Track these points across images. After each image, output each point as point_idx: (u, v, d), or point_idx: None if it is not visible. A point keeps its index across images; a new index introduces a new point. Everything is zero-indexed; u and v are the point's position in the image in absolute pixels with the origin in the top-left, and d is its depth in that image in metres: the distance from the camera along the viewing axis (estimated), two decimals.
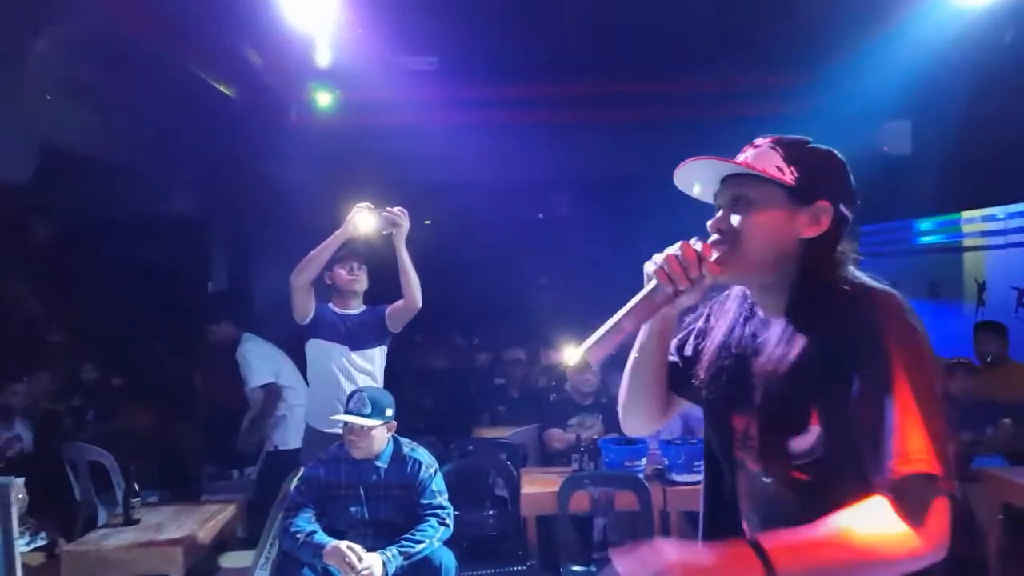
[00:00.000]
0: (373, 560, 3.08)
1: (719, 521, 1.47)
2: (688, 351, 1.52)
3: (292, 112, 6.64)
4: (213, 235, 7.57)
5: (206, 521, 3.70)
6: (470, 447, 4.69)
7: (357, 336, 3.89)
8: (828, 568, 1.13)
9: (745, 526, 1.42)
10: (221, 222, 7.41)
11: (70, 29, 4.30)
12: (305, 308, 3.78)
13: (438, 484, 3.37)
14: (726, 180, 1.36)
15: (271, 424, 4.95)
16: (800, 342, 1.28)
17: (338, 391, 3.75)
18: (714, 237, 1.35)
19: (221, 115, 6.13)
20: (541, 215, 9.24)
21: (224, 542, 3.89)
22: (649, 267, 1.35)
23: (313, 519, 3.28)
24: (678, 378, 1.52)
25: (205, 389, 5.91)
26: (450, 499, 3.41)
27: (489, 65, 6.00)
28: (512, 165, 6.93)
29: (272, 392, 4.74)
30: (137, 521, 3.62)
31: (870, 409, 1.18)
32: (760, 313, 1.41)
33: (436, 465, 3.43)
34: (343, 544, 3.11)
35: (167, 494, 4.82)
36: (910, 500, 1.13)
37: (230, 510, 3.93)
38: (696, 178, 1.38)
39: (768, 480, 1.32)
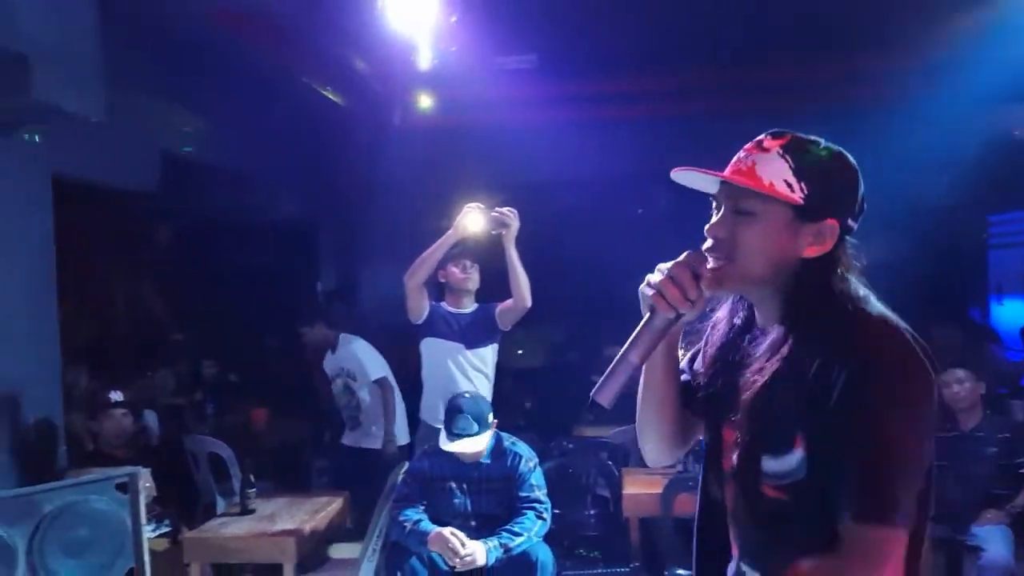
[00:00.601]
0: (476, 547, 3.14)
1: (709, 533, 1.43)
2: (698, 364, 1.44)
3: (396, 115, 6.79)
4: (322, 237, 7.82)
5: (316, 512, 3.82)
6: (570, 445, 4.69)
7: (470, 334, 3.96)
8: None
9: (732, 541, 1.38)
10: (329, 225, 7.65)
11: (187, 42, 4.53)
12: (419, 308, 3.88)
13: (537, 478, 3.39)
14: (727, 182, 1.26)
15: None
16: (791, 360, 1.20)
17: (454, 388, 3.82)
18: (709, 243, 1.27)
19: (329, 121, 6.34)
20: (640, 210, 9.14)
21: (333, 533, 4.02)
22: (645, 292, 1.27)
23: (420, 509, 3.36)
24: (693, 394, 1.43)
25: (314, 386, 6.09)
26: (550, 497, 3.42)
27: (588, 61, 5.96)
28: (612, 160, 6.87)
29: (387, 386, 4.83)
30: (253, 511, 3.78)
31: (847, 446, 1.12)
32: (758, 319, 1.33)
33: (536, 459, 3.46)
34: (447, 531, 3.19)
35: (280, 485, 5.02)
36: (864, 554, 1.11)
37: (338, 502, 4.05)
38: (693, 177, 1.29)
39: (745, 497, 1.28)
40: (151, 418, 5.04)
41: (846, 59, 5.69)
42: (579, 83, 6.22)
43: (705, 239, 1.28)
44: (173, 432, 5.23)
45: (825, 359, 1.15)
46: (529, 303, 3.83)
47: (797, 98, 6.24)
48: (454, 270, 3.96)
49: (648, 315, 1.26)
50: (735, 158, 1.29)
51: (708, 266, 1.24)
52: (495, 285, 3.98)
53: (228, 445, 5.00)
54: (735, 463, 1.29)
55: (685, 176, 1.27)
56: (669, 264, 1.25)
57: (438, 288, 4.07)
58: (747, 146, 1.28)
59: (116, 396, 3.99)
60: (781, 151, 1.24)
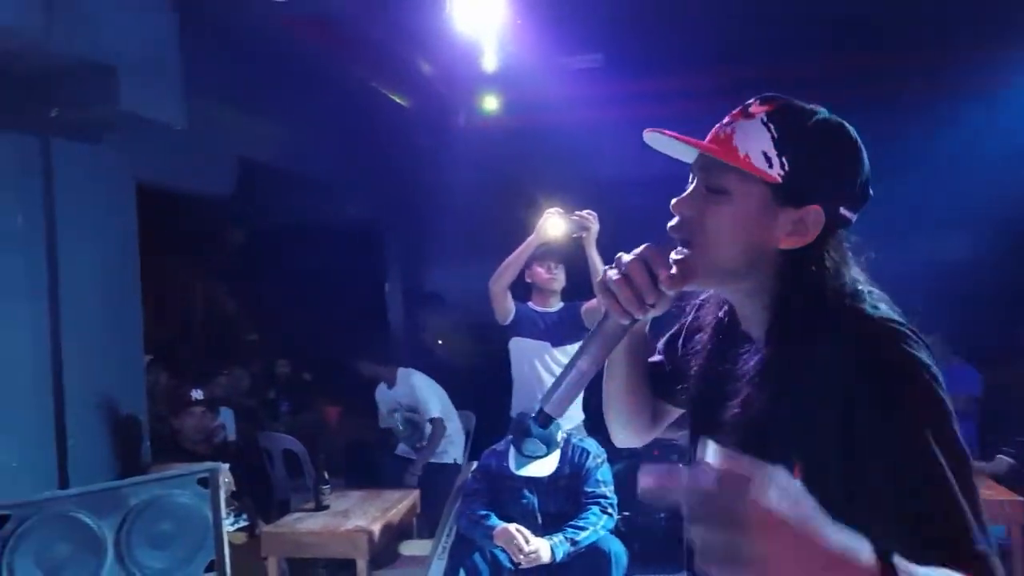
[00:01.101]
0: (540, 544, 3.16)
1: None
2: (679, 351, 1.27)
3: (461, 117, 6.84)
4: (389, 239, 7.94)
5: (387, 510, 3.89)
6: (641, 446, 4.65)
7: (557, 333, 4.01)
8: None
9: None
10: (397, 226, 7.75)
11: (260, 50, 4.66)
12: (505, 310, 3.96)
13: (603, 474, 3.39)
14: (703, 152, 1.07)
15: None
16: (783, 377, 1.01)
17: (541, 387, 3.91)
18: (674, 221, 1.08)
19: (396, 124, 6.43)
20: None
21: (404, 530, 4.07)
22: (599, 295, 1.09)
23: (488, 504, 3.39)
24: (665, 381, 1.27)
25: None
26: (621, 500, 3.41)
27: (654, 58, 5.91)
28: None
29: (438, 426, 4.95)
30: (327, 507, 3.86)
31: (894, 486, 0.91)
32: (741, 323, 1.14)
33: (603, 456, 3.46)
34: (512, 526, 3.21)
35: (352, 482, 5.11)
36: None
37: (409, 499, 4.11)
38: (667, 143, 1.09)
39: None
40: (227, 416, 5.19)
41: (935, 47, 5.50)
42: (646, 81, 6.18)
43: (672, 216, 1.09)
44: (249, 429, 5.37)
45: (822, 376, 0.97)
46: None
47: (878, 90, 6.09)
48: (539, 270, 4.02)
49: (602, 317, 1.10)
50: (719, 124, 1.09)
51: (671, 259, 1.05)
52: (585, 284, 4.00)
53: (301, 442, 5.13)
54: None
55: (659, 141, 1.09)
56: (624, 260, 1.07)
57: (525, 288, 4.12)
58: (736, 109, 1.08)
59: (196, 394, 4.12)
60: (765, 118, 1.03)
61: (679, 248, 1.06)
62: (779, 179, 1.01)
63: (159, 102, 3.22)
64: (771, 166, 1.01)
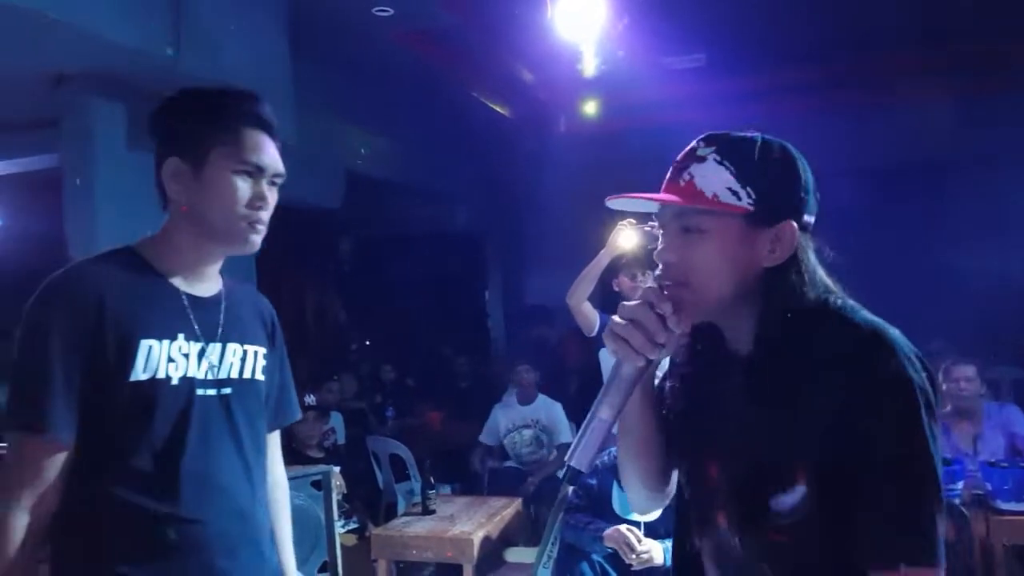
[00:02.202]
0: (653, 545, 3.09)
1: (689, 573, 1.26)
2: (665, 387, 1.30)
3: (561, 123, 6.85)
4: (490, 246, 8.02)
5: (493, 515, 3.90)
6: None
7: None
8: None
9: None
10: (497, 234, 7.83)
11: (364, 64, 4.79)
12: (588, 323, 3.95)
13: None
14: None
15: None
16: (778, 384, 1.07)
17: None
18: (659, 270, 1.14)
19: (497, 132, 6.49)
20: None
21: (509, 537, 4.08)
22: (609, 343, 1.12)
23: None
24: (669, 431, 1.27)
25: None
26: None
27: (757, 54, 5.76)
28: None
29: (562, 452, 5.00)
30: (433, 511, 3.91)
31: (863, 481, 1.00)
32: (728, 346, 1.18)
33: None
34: (623, 526, 3.15)
35: (458, 487, 5.17)
36: None
37: (514, 507, 4.12)
38: (628, 202, 1.15)
39: (737, 540, 1.13)
40: (337, 420, 5.33)
41: None
42: (749, 79, 6.04)
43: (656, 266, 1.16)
44: (357, 434, 5.51)
45: (815, 378, 1.04)
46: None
47: (989, 81, 5.78)
48: (625, 279, 3.98)
49: (615, 365, 1.12)
50: (670, 171, 1.15)
51: (668, 300, 1.10)
52: None
53: (406, 446, 5.23)
54: (726, 504, 1.14)
55: (622, 203, 1.16)
56: (628, 306, 1.11)
57: (615, 297, 4.10)
58: (680, 157, 1.15)
59: (309, 400, 4.25)
60: (718, 157, 1.10)
61: (672, 289, 1.12)
62: (751, 208, 1.08)
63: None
64: (739, 199, 1.08)
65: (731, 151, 1.11)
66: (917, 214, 6.37)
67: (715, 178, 1.09)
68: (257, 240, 1.47)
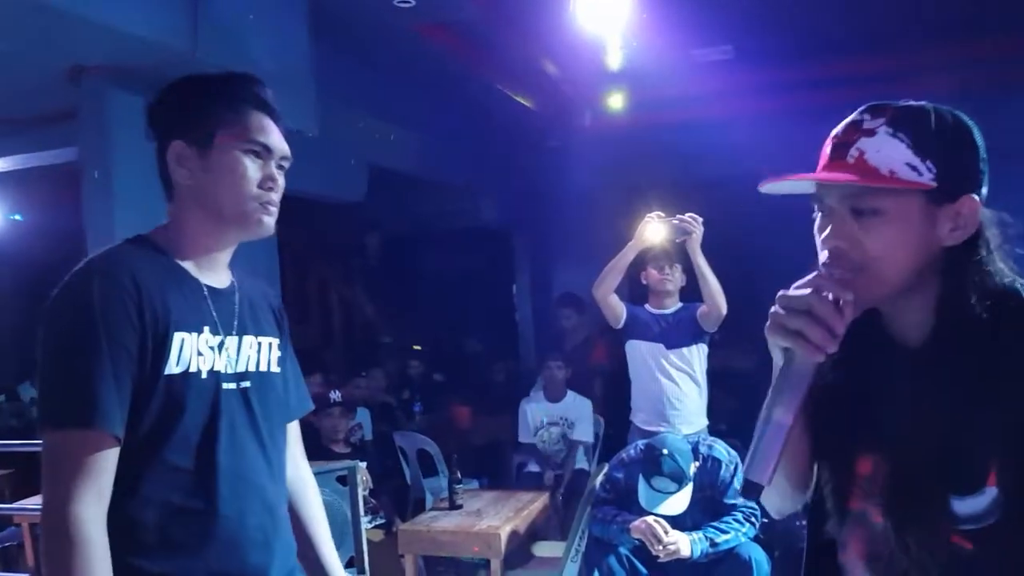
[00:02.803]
0: (680, 537, 3.09)
1: (821, 557, 1.19)
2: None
3: (587, 116, 6.80)
4: (517, 241, 8.00)
5: (520, 510, 3.88)
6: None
7: (672, 334, 3.93)
8: None
9: None
10: (524, 228, 7.81)
11: (386, 55, 4.78)
12: (615, 314, 3.93)
13: (739, 481, 3.24)
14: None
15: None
16: (965, 374, 0.97)
17: (658, 390, 3.89)
18: (826, 256, 1.05)
19: (522, 126, 6.46)
20: None
21: (536, 532, 4.06)
22: (777, 338, 1.02)
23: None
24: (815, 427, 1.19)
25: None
26: (762, 507, 3.26)
27: (786, 46, 5.67)
28: (817, 151, 6.49)
29: (585, 449, 5.11)
30: (460, 506, 3.90)
31: None
32: (893, 333, 1.09)
33: (736, 460, 3.30)
34: (650, 518, 3.14)
35: (486, 481, 5.16)
36: None
37: (541, 501, 4.10)
38: (787, 184, 1.07)
39: (904, 541, 1.04)
40: (364, 416, 5.34)
41: None
42: (778, 72, 5.94)
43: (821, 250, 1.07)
44: (384, 429, 5.51)
45: (1012, 367, 0.95)
46: (723, 309, 3.73)
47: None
48: (652, 271, 3.95)
49: (785, 362, 1.02)
50: (831, 147, 1.06)
51: (843, 287, 1.00)
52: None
53: (434, 441, 5.22)
54: (894, 502, 1.06)
55: (779, 186, 1.07)
56: (796, 295, 1.00)
57: (644, 290, 4.07)
58: (841, 131, 1.06)
59: (335, 396, 4.26)
60: (891, 129, 1.01)
61: (841, 273, 1.02)
62: (934, 184, 1.00)
63: (292, 110, 3.32)
64: (920, 174, 1.00)
65: (904, 122, 1.02)
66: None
67: (891, 152, 1.01)
68: (270, 223, 1.44)
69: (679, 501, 3.16)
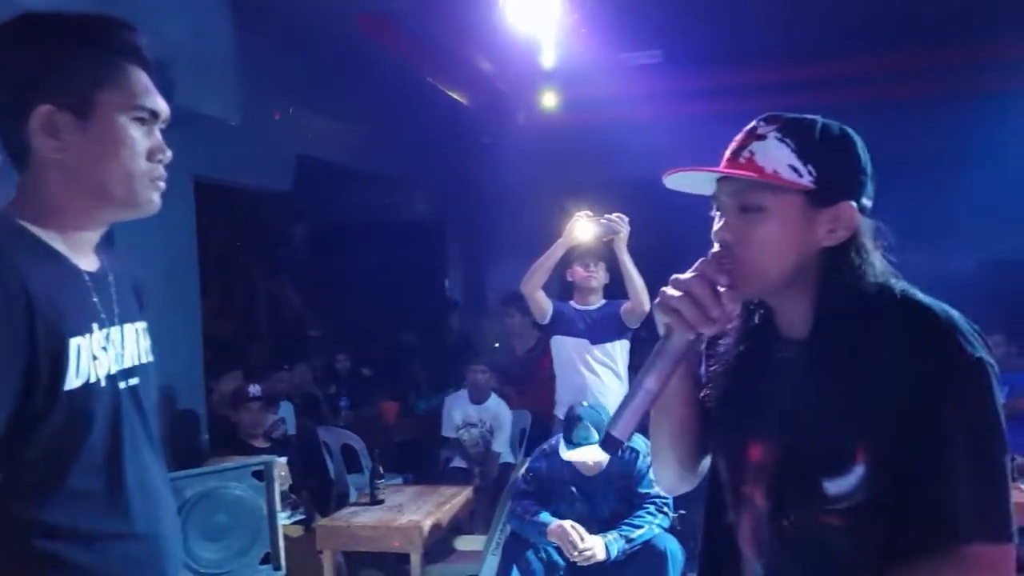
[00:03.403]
0: (595, 541, 3.12)
1: (717, 561, 1.25)
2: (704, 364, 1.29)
3: (520, 114, 6.82)
4: (449, 236, 7.98)
5: (442, 504, 3.88)
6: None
7: (596, 331, 4.00)
8: None
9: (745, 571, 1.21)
10: (456, 223, 7.80)
11: (317, 45, 4.71)
12: (542, 310, 3.98)
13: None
14: (726, 179, 1.13)
15: None
16: (839, 366, 1.07)
17: (581, 384, 3.95)
18: (716, 249, 1.14)
19: (456, 121, 6.45)
20: None
21: (459, 526, 4.07)
22: (660, 314, 1.12)
23: (539, 506, 3.36)
24: (707, 412, 1.26)
25: None
26: (676, 498, 3.33)
27: (714, 52, 5.79)
28: None
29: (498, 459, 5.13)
30: (381, 501, 3.88)
31: (930, 462, 1.01)
32: (780, 327, 1.18)
33: None
34: (567, 523, 3.18)
35: (412, 477, 5.14)
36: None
37: (463, 495, 4.11)
38: (686, 178, 1.16)
39: (784, 522, 1.12)
40: (288, 410, 5.27)
41: (986, 46, 5.30)
42: (705, 76, 6.06)
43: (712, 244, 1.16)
44: (309, 424, 5.45)
45: (879, 360, 1.04)
46: (646, 306, 3.80)
47: (932, 86, 5.90)
48: (578, 269, 4.02)
49: (664, 336, 1.12)
50: (729, 151, 1.16)
51: (726, 275, 1.11)
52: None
53: (360, 437, 5.18)
54: (771, 485, 1.14)
55: (678, 180, 1.16)
56: (682, 278, 1.11)
57: (569, 287, 4.15)
58: (740, 136, 1.16)
59: (254, 390, 4.19)
60: (779, 135, 1.11)
61: (729, 267, 1.11)
62: (812, 186, 1.09)
63: (213, 97, 3.28)
64: (800, 175, 1.09)
65: (792, 129, 1.12)
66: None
67: (776, 154, 1.10)
68: (158, 200, 1.25)
69: (596, 451, 3.21)
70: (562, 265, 4.05)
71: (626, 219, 3.79)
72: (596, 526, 3.29)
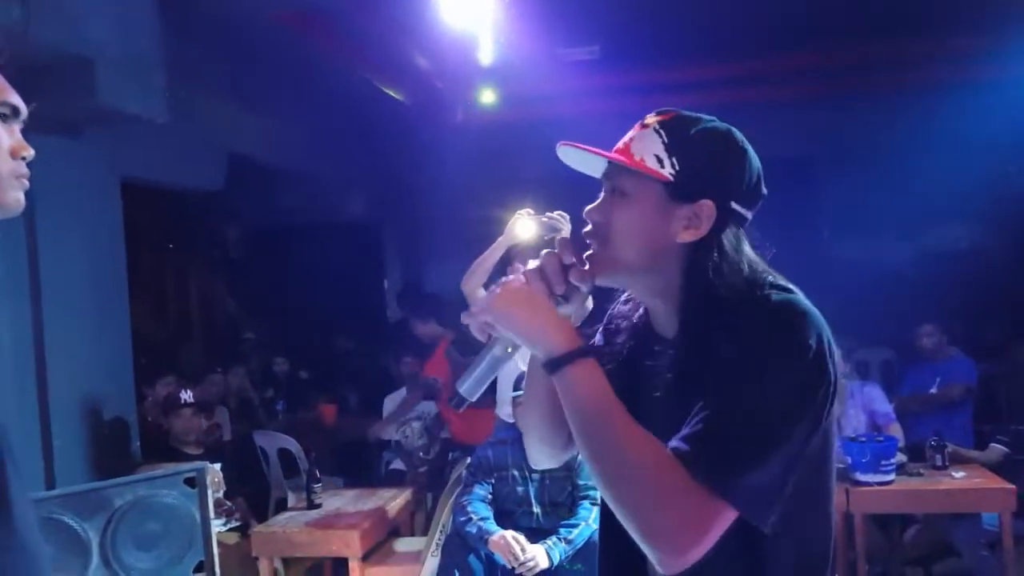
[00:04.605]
0: (537, 551, 3.11)
1: (614, 560, 1.26)
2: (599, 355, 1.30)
3: (458, 111, 6.78)
4: (387, 236, 7.90)
5: (382, 507, 3.84)
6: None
7: None
8: (591, 417, 1.06)
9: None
10: (394, 223, 7.73)
11: (248, 43, 4.61)
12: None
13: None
14: (609, 162, 1.16)
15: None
16: (698, 366, 1.07)
17: (521, 377, 3.86)
18: (587, 228, 1.18)
19: (392, 119, 6.38)
20: None
21: (398, 528, 4.03)
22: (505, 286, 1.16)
23: (487, 501, 3.37)
24: None
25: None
26: None
27: (651, 50, 5.85)
28: None
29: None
30: (319, 505, 3.81)
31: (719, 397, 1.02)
32: (656, 327, 1.21)
33: None
34: (508, 534, 3.16)
35: (348, 480, 5.07)
36: (689, 512, 1.00)
37: (403, 497, 4.07)
38: (578, 156, 1.18)
39: None
40: (223, 415, 5.15)
41: (933, 39, 5.44)
42: (643, 73, 6.12)
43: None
44: (245, 428, 5.33)
45: (729, 355, 1.03)
46: (589, 306, 3.80)
47: (855, 81, 6.05)
48: (519, 267, 3.98)
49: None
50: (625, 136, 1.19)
51: (586, 254, 1.14)
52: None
53: (297, 441, 5.09)
54: None
55: (569, 156, 1.18)
56: (543, 253, 1.17)
57: None
58: (636, 124, 1.18)
59: (186, 396, 4.07)
60: (658, 126, 1.14)
61: (592, 246, 1.16)
62: (670, 178, 1.11)
63: (139, 96, 3.18)
64: (663, 166, 1.12)
65: (672, 123, 1.14)
66: (791, 207, 6.61)
67: (648, 144, 1.13)
68: (23, 199, 1.22)
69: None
70: (503, 263, 4.03)
71: (567, 217, 3.78)
72: (540, 511, 3.33)
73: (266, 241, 7.52)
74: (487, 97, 6.50)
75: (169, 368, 5.14)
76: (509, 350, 1.17)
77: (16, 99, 1.20)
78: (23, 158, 1.19)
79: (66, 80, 2.97)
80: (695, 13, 5.28)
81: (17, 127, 1.21)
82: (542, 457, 1.38)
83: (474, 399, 1.17)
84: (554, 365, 1.09)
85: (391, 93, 5.95)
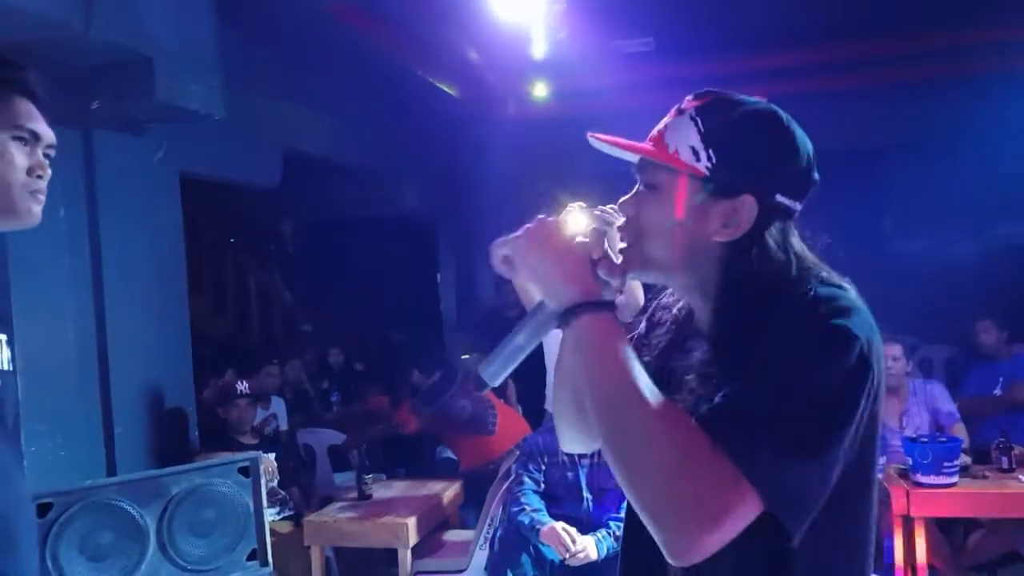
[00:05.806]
0: (587, 542, 3.14)
1: (637, 561, 1.17)
2: (640, 348, 1.24)
3: (510, 105, 6.78)
4: (441, 229, 7.94)
5: (432, 499, 3.87)
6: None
7: None
8: (605, 372, 0.96)
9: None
10: (448, 217, 7.76)
11: (303, 39, 4.67)
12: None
13: None
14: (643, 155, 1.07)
15: None
16: (725, 362, 0.99)
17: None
18: (619, 221, 1.12)
19: (445, 114, 6.41)
20: None
21: (447, 520, 4.05)
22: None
23: (539, 491, 3.38)
24: None
25: None
26: None
27: (707, 41, 5.75)
28: None
29: None
30: (369, 496, 3.86)
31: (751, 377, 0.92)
32: (698, 323, 1.13)
33: None
34: (559, 526, 3.18)
35: (400, 471, 5.12)
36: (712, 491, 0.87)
37: (453, 489, 4.09)
38: (613, 148, 1.10)
39: None
40: (279, 406, 5.24)
41: (1007, 27, 5.25)
42: (697, 64, 6.01)
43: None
44: (301, 419, 5.42)
45: (752, 349, 0.94)
46: (641, 299, 3.75)
47: (934, 70, 5.87)
48: None
49: (541, 302, 1.11)
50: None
51: (619, 247, 1.08)
52: None
53: (351, 432, 5.15)
54: None
55: (606, 147, 1.11)
56: (575, 242, 1.09)
57: None
58: (673, 109, 1.08)
59: (242, 387, 4.16)
60: (694, 112, 1.03)
61: (625, 242, 1.10)
62: (706, 172, 1.01)
63: (197, 93, 3.24)
64: (698, 159, 1.01)
65: (709, 109, 1.03)
66: (856, 199, 6.46)
67: (683, 133, 1.03)
68: (39, 212, 1.36)
69: None
70: None
71: (619, 211, 3.76)
72: (591, 496, 3.32)
73: (322, 235, 7.64)
74: (539, 91, 6.48)
75: (227, 359, 5.25)
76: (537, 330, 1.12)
77: (40, 127, 1.35)
78: (39, 176, 1.33)
79: (126, 78, 3.06)
80: (747, 3, 5.18)
81: (40, 149, 1.34)
82: (572, 441, 1.33)
83: (496, 384, 1.14)
84: (569, 314, 1.02)
85: (443, 87, 5.97)
